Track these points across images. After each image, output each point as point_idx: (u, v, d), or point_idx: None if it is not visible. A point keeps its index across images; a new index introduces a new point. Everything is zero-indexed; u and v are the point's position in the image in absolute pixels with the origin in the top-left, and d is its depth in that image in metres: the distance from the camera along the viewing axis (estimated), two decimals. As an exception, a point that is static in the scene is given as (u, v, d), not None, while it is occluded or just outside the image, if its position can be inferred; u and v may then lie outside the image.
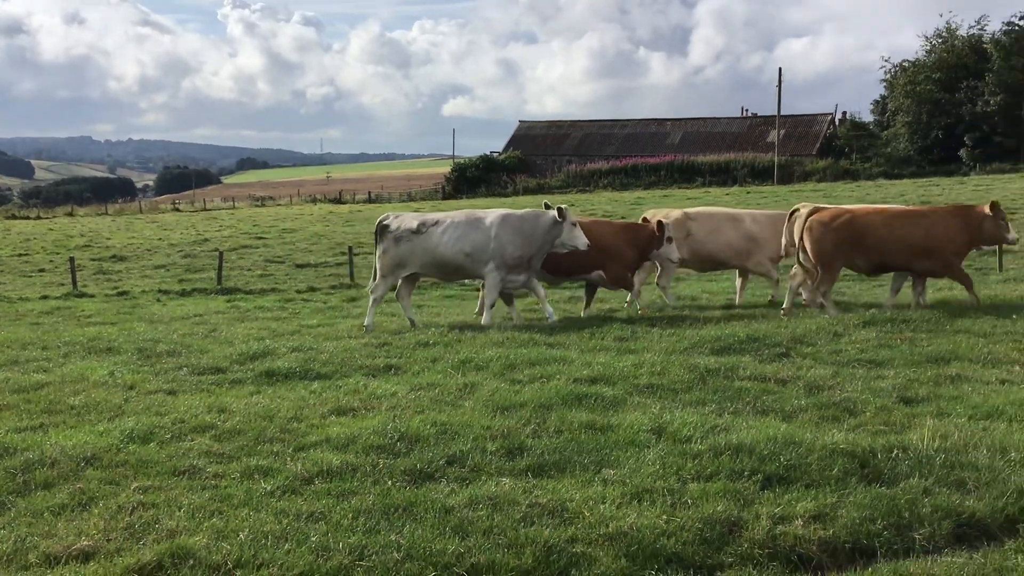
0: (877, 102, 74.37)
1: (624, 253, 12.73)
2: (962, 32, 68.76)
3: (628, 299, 13.62)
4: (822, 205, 12.33)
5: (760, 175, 64.68)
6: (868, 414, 6.75)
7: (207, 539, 4.70)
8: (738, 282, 14.49)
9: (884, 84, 72.73)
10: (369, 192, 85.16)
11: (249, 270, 25.80)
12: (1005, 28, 64.89)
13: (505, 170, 77.01)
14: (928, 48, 69.70)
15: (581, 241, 11.87)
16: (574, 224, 11.93)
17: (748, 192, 49.21)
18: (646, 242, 12.90)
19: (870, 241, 11.57)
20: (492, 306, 12.23)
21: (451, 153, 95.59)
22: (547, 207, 12.12)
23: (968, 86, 64.16)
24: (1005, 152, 61.19)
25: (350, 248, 25.27)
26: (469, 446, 6.09)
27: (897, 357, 8.64)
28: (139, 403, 7.80)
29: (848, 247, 11.64)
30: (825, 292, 11.76)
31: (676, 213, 14.06)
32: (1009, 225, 11.65)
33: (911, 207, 13.24)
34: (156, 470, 5.91)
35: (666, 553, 4.56)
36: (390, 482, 5.51)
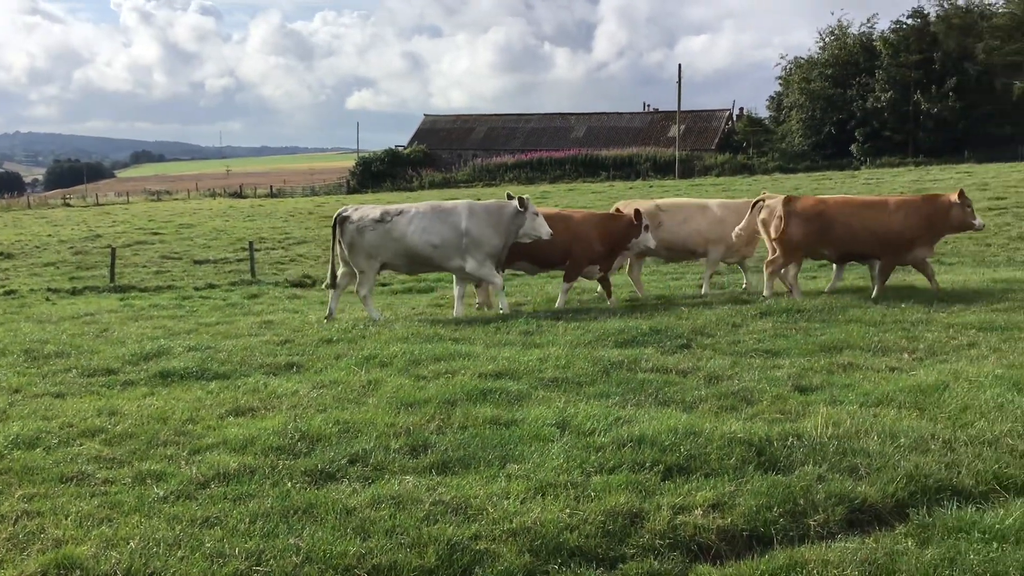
0: (773, 98, 76.55)
1: (594, 245, 12.59)
2: (853, 30, 71.38)
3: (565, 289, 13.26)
4: (793, 195, 12.55)
5: (662, 169, 65.94)
6: (764, 403, 6.89)
7: (95, 548, 4.51)
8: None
9: (779, 81, 74.93)
10: (271, 186, 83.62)
11: (144, 267, 24.99)
12: (893, 27, 67.66)
13: (410, 164, 76.69)
14: (822, 45, 72.10)
15: (544, 231, 11.77)
16: (536, 214, 11.86)
17: (651, 186, 49.99)
18: (623, 232, 12.71)
19: (838, 230, 11.82)
20: (503, 290, 12.20)
21: (355, 147, 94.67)
22: (509, 197, 12.03)
23: (859, 82, 66.56)
24: (894, 146, 63.76)
25: (251, 243, 24.70)
26: (372, 444, 5.99)
27: (792, 346, 8.88)
28: (25, 407, 7.44)
29: (816, 237, 11.88)
30: (772, 273, 12.11)
31: (647, 204, 14.10)
32: (975, 212, 11.96)
33: (880, 197, 13.50)
34: (42, 477, 5.65)
35: (569, 547, 4.56)
36: (290, 484, 5.37)
